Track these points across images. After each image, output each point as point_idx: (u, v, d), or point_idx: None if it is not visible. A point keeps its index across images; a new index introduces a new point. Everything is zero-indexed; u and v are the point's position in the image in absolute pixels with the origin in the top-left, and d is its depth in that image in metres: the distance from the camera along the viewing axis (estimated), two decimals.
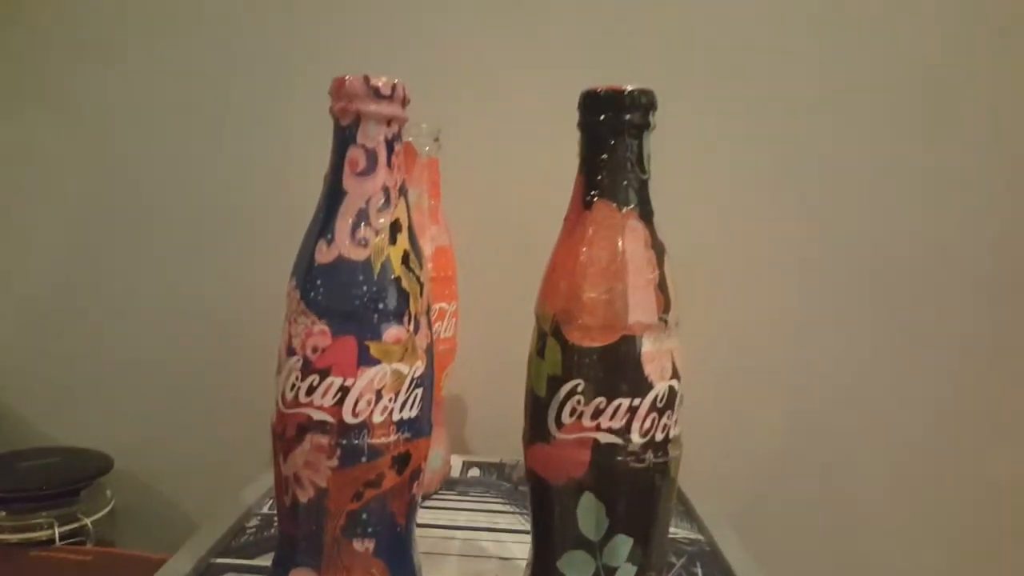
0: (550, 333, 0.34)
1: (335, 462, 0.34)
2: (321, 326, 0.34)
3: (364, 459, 0.34)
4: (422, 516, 0.55)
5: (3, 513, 0.63)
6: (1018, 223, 0.72)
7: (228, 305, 0.75)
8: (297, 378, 0.34)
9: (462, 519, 0.55)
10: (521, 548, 0.50)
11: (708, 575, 0.48)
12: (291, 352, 0.34)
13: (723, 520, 0.56)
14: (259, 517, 0.53)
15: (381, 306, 0.34)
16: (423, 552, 0.40)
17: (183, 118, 0.76)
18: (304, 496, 0.34)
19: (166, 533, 0.45)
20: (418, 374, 0.35)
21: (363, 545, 0.35)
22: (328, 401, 0.33)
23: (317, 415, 0.34)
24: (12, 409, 0.77)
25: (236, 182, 0.75)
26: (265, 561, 0.45)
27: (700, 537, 0.54)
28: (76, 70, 0.76)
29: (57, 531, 0.63)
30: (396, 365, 0.34)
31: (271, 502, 0.55)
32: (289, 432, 0.34)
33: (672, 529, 0.56)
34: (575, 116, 0.35)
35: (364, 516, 0.34)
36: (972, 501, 0.76)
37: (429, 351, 0.36)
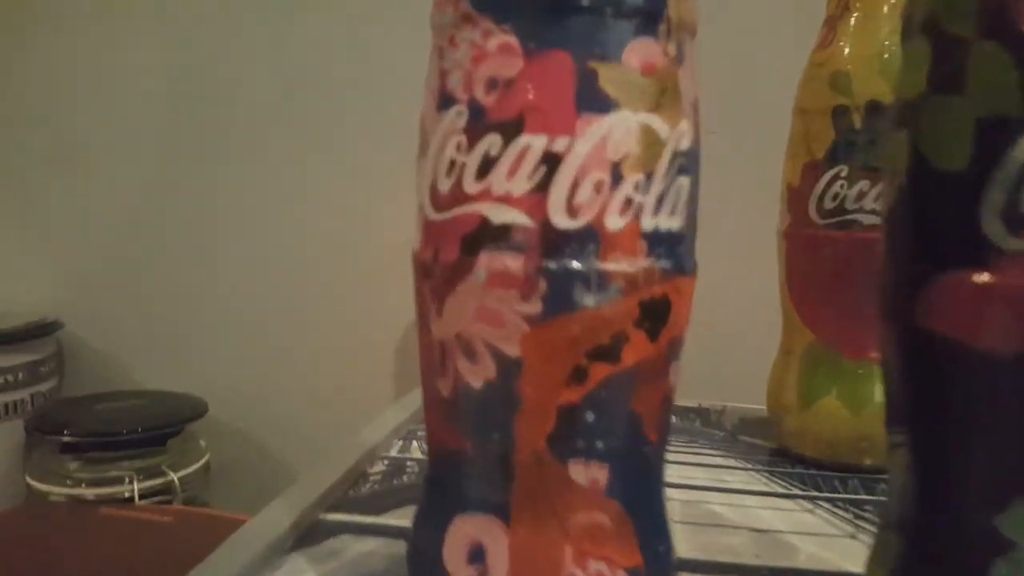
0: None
1: (536, 306, 0.17)
2: (504, 37, 0.17)
3: (590, 302, 0.17)
4: None
5: (76, 464, 0.52)
6: None
7: (333, 238, 0.62)
8: (460, 148, 0.18)
9: (673, 474, 0.38)
10: (777, 517, 0.33)
11: None
12: (446, 100, 0.18)
13: None
14: (386, 461, 0.37)
15: None
16: None
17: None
18: (477, 376, 0.18)
19: (269, 494, 0.32)
20: (684, 146, 0.18)
21: (588, 473, 0.18)
22: (521, 184, 0.17)
23: (499, 213, 0.17)
24: (99, 353, 0.66)
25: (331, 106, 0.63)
26: (399, 519, 0.30)
27: None
28: None
29: (137, 487, 0.50)
30: (646, 116, 0.17)
31: (402, 443, 0.40)
32: (446, 254, 0.18)
33: None
34: None
35: (590, 417, 0.18)
36: None
37: (695, 109, 0.19)
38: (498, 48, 0.17)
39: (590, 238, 0.17)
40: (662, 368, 0.19)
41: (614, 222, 0.17)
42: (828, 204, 0.35)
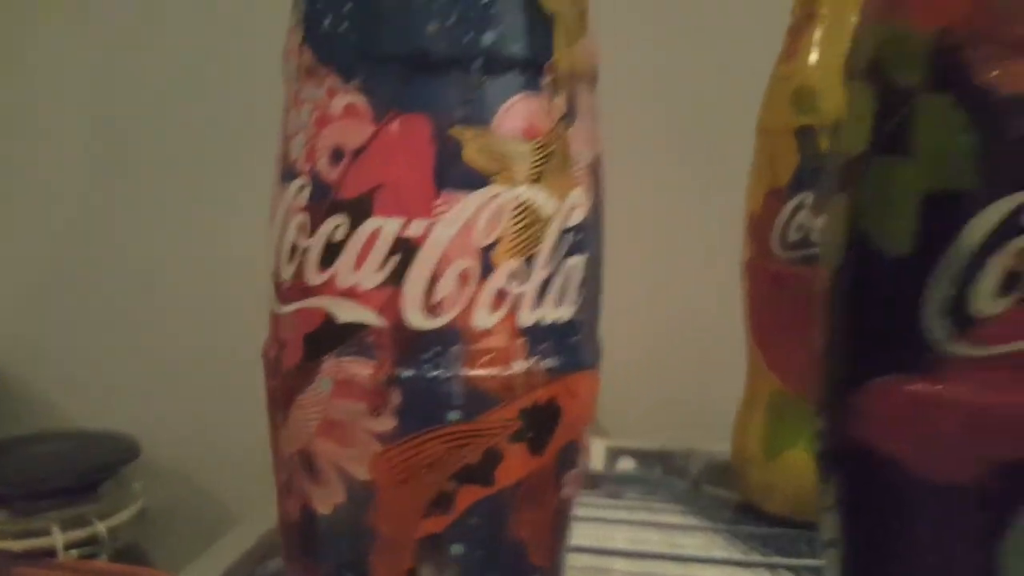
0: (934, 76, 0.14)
1: (388, 422, 0.14)
2: (351, 97, 0.14)
3: (454, 415, 0.14)
4: None
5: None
6: None
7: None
8: (303, 229, 0.15)
9: (621, 537, 0.35)
10: None
11: None
12: (288, 171, 0.15)
13: None
14: None
15: (490, 41, 0.14)
16: None
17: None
18: (324, 502, 0.15)
19: (212, 539, 0.29)
20: (575, 219, 0.15)
21: None
22: (371, 276, 0.14)
23: (344, 310, 0.14)
24: (22, 389, 0.63)
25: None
26: None
27: None
28: None
29: (62, 538, 0.47)
30: (526, 190, 0.14)
31: None
32: (289, 355, 0.15)
33: None
34: None
35: (456, 550, 0.15)
36: None
37: (595, 170, 0.16)
38: (344, 110, 0.14)
39: (453, 340, 0.14)
40: (550, 483, 0.16)
41: (483, 319, 0.14)
42: (792, 236, 0.32)
